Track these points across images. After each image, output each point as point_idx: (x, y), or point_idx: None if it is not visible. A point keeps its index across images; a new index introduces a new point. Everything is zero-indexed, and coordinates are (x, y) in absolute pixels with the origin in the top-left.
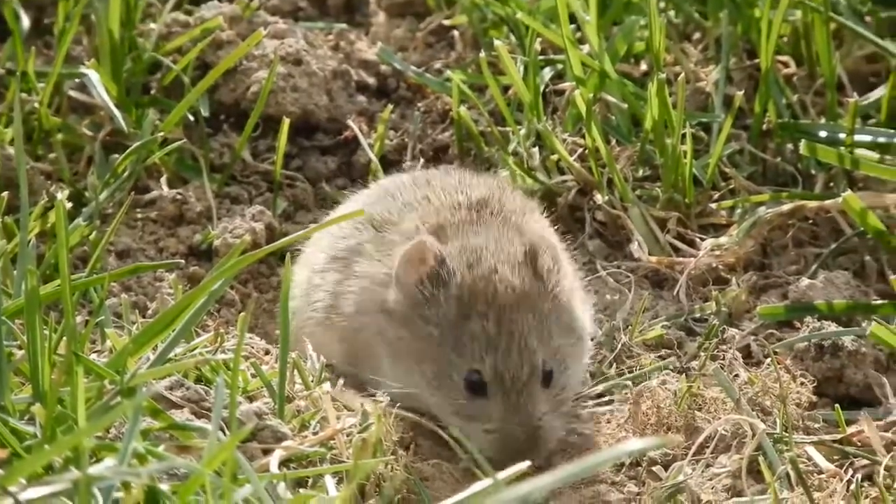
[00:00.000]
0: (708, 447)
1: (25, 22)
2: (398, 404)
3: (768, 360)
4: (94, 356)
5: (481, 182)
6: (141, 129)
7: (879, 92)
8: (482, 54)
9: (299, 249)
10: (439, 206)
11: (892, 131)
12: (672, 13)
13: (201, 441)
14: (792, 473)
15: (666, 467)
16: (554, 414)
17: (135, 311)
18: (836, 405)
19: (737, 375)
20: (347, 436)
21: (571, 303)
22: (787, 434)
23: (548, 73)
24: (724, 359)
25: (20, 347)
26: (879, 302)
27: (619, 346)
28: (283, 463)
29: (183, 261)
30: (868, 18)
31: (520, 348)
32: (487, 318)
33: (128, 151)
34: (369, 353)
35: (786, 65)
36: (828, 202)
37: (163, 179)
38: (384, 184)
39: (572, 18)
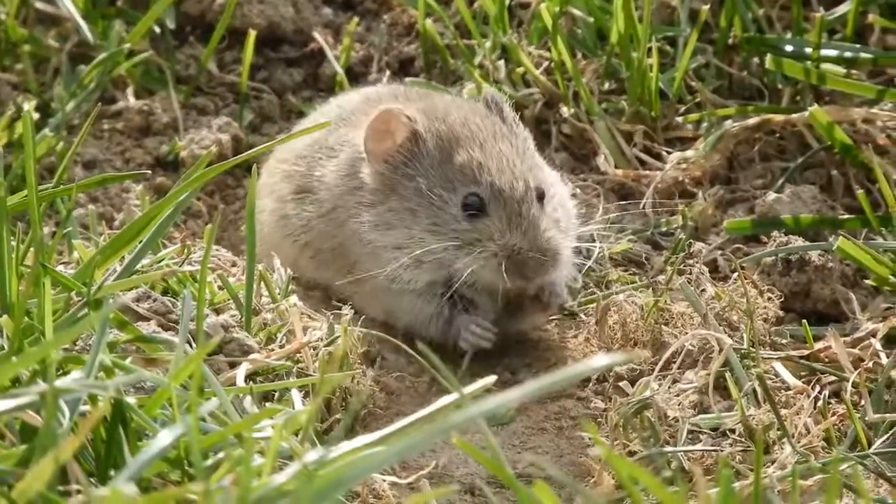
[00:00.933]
0: (674, 362)
1: None
2: (363, 317)
3: (735, 274)
4: (61, 268)
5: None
6: (107, 40)
7: (845, 6)
8: None
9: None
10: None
11: (858, 46)
12: None
13: (168, 354)
14: (759, 390)
15: (632, 383)
16: (559, 232)
17: (101, 222)
18: (804, 321)
19: (703, 290)
20: (314, 349)
21: (540, 160)
22: (753, 350)
23: None
24: (690, 273)
25: None
26: (846, 216)
27: (595, 256)
28: (250, 376)
29: (149, 172)
30: None
31: (511, 168)
32: (472, 148)
33: (94, 63)
34: (343, 260)
35: None
36: (794, 116)
37: (129, 91)
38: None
39: None
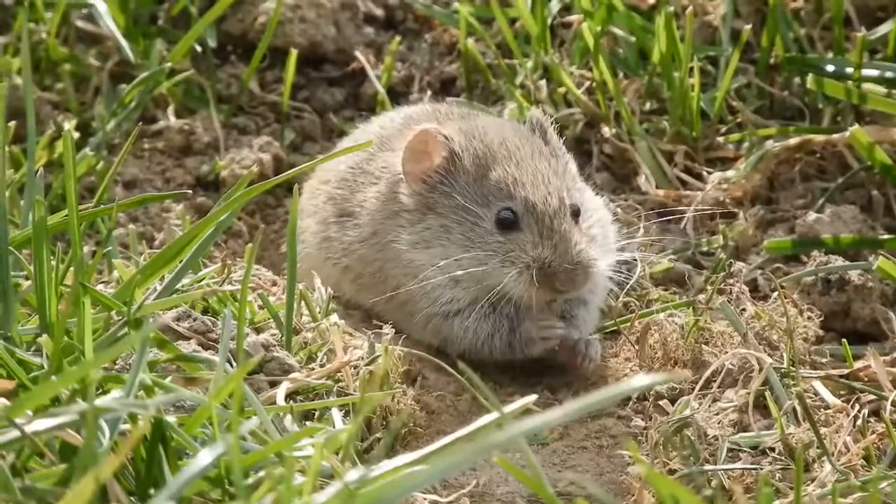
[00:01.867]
0: (714, 381)
1: None
2: (403, 336)
3: (775, 294)
4: (101, 287)
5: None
6: (148, 59)
7: (887, 26)
8: None
9: (307, 181)
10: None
11: None
12: None
13: (208, 373)
14: (798, 408)
15: (673, 401)
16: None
17: (142, 241)
18: (843, 340)
19: (744, 309)
20: (354, 368)
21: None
22: (793, 369)
23: (555, 5)
24: (731, 293)
25: (27, 278)
26: (886, 236)
27: (635, 278)
28: (290, 395)
29: (190, 191)
30: None
31: (545, 183)
32: (508, 165)
33: (135, 82)
34: (384, 284)
35: None
36: (835, 136)
37: (170, 110)
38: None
39: None
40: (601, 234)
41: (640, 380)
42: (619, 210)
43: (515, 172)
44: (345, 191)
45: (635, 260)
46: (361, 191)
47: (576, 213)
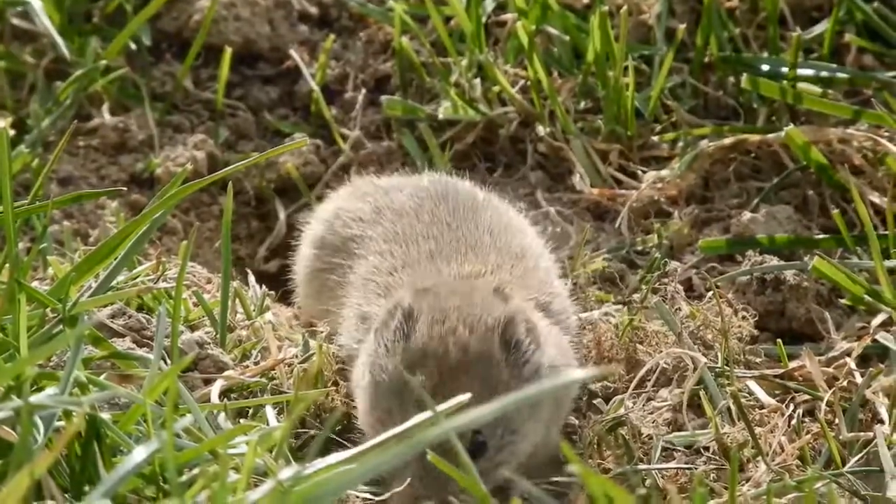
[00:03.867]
0: (649, 381)
1: None
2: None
3: (710, 293)
4: (36, 284)
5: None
6: (83, 56)
7: (822, 26)
8: None
9: (241, 179)
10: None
11: (835, 65)
12: None
13: (143, 370)
14: (733, 408)
15: (607, 400)
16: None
17: (77, 238)
18: (778, 340)
19: (679, 309)
20: (288, 366)
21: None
22: (728, 368)
23: (490, 4)
24: (665, 292)
25: None
26: (821, 236)
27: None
28: (224, 393)
29: (125, 189)
30: None
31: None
32: (430, 377)
33: (70, 79)
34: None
35: None
36: (770, 136)
37: (105, 107)
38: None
39: None
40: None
41: (573, 374)
42: (551, 210)
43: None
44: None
45: (564, 267)
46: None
47: (477, 451)
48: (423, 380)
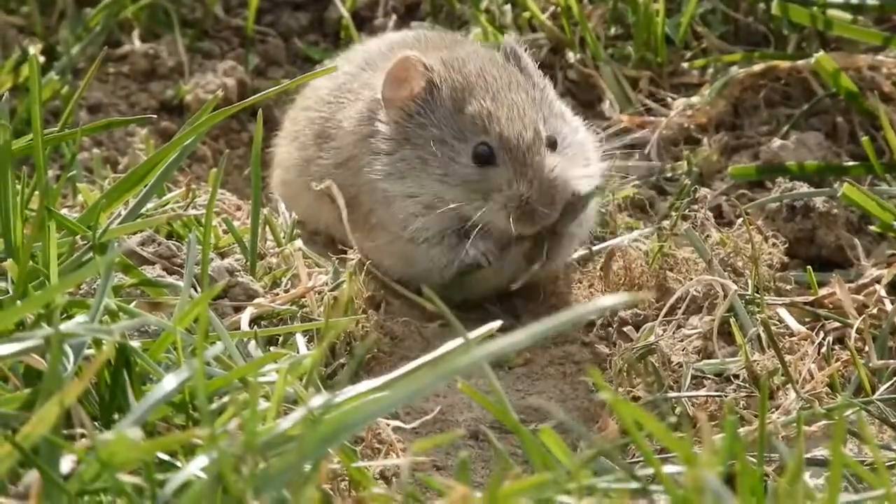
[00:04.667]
0: (679, 308)
1: None
2: (368, 262)
3: (740, 220)
4: (65, 211)
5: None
6: None
7: None
8: None
9: (271, 106)
10: (414, 45)
11: None
12: None
13: (173, 298)
14: (763, 335)
15: (637, 328)
16: (570, 168)
17: (106, 166)
18: (808, 267)
19: (708, 236)
20: (318, 294)
21: (562, 108)
22: (758, 296)
23: None
24: (695, 219)
25: None
26: (851, 163)
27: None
28: (254, 321)
29: (155, 116)
30: None
31: (521, 117)
32: (484, 99)
33: (100, 6)
34: (358, 210)
35: None
36: (800, 62)
37: (135, 34)
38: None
39: None
40: (582, 158)
41: (603, 301)
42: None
43: (491, 106)
44: (325, 112)
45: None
46: (342, 111)
47: (553, 145)
48: (482, 103)
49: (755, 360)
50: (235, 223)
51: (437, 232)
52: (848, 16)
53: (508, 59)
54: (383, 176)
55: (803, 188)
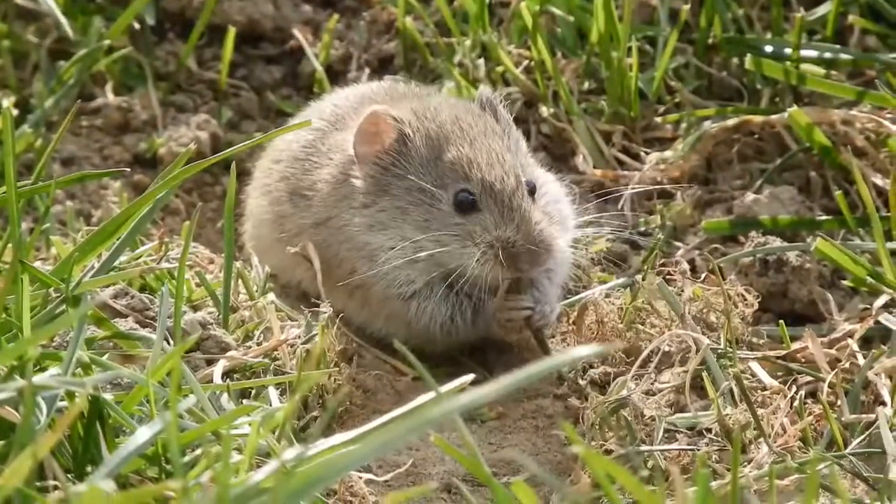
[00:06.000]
0: (651, 362)
1: None
2: (340, 316)
3: (713, 275)
4: (39, 264)
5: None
6: (87, 36)
7: (825, 7)
8: None
9: (244, 159)
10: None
11: (838, 46)
12: None
13: (146, 351)
14: (735, 389)
15: (609, 382)
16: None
17: (80, 218)
18: (781, 321)
19: (681, 290)
20: (291, 347)
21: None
22: (731, 350)
23: None
24: (669, 273)
25: None
26: (824, 217)
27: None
28: (227, 373)
29: (128, 169)
30: None
31: (500, 163)
32: (462, 145)
33: (73, 59)
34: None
35: None
36: (773, 117)
37: (108, 87)
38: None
39: None
40: (556, 210)
41: (575, 352)
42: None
43: (470, 152)
44: (298, 170)
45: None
46: (315, 171)
47: (532, 191)
48: (461, 150)
49: (728, 414)
50: (208, 276)
51: (424, 284)
52: (821, 70)
53: (484, 109)
54: (364, 228)
55: (776, 242)
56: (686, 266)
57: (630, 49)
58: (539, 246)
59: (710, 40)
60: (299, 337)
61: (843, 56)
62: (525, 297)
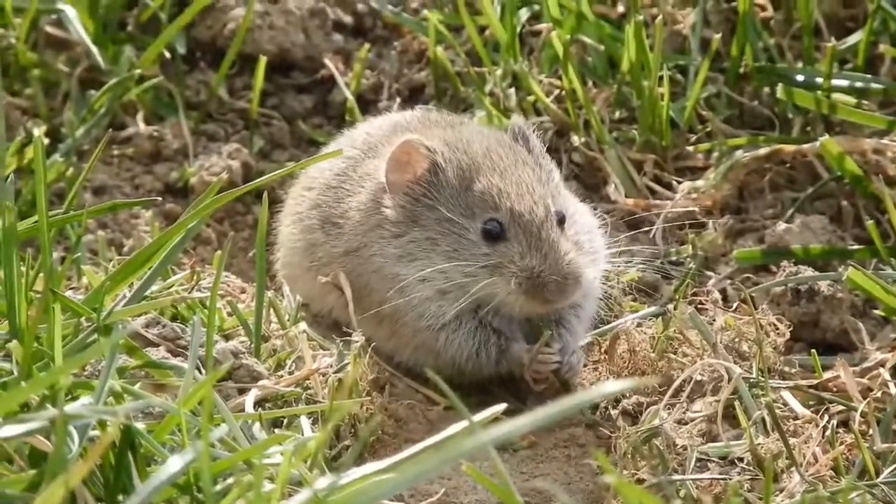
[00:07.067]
0: (684, 391)
1: None
2: (373, 345)
3: (744, 304)
4: (70, 293)
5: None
6: (118, 65)
7: (856, 36)
8: None
9: (275, 188)
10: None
11: (869, 76)
12: None
13: (177, 380)
14: (767, 419)
15: (641, 412)
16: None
17: (111, 248)
18: (813, 350)
19: (713, 320)
20: (323, 376)
21: (567, 192)
22: (762, 379)
23: (525, 13)
24: (701, 303)
25: None
26: (856, 247)
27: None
28: (259, 403)
29: (159, 198)
30: None
31: (530, 193)
32: (492, 176)
33: (104, 88)
34: (369, 300)
35: (763, 8)
36: (805, 146)
37: (139, 116)
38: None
39: None
40: (587, 241)
41: (609, 387)
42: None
43: (500, 183)
44: (330, 198)
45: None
46: (347, 199)
47: (561, 221)
48: (490, 180)
49: (759, 444)
50: (240, 305)
51: (453, 317)
52: (852, 100)
53: (516, 140)
54: (394, 260)
55: (808, 272)
56: (717, 295)
57: (661, 78)
58: (567, 278)
59: (742, 69)
60: (331, 366)
61: (875, 85)
62: (553, 351)
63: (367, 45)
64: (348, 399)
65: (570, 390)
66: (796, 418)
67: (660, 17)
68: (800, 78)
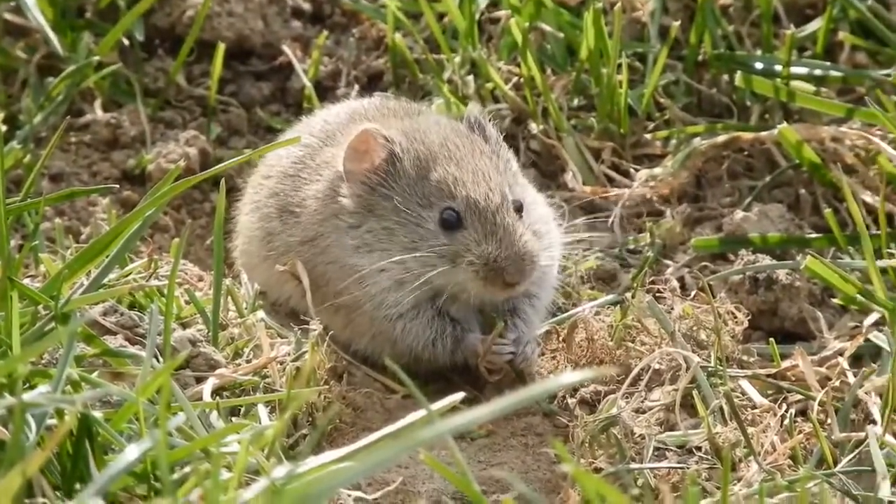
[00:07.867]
0: (642, 380)
1: None
2: (330, 333)
3: (702, 292)
4: (28, 281)
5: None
6: (76, 52)
7: (816, 24)
8: None
9: (233, 176)
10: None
11: (828, 63)
12: None
13: (135, 368)
14: (726, 407)
15: (599, 400)
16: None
17: (69, 235)
18: (771, 339)
19: (671, 308)
20: (281, 364)
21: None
22: (721, 368)
23: (483, 0)
24: (658, 291)
25: None
26: (814, 235)
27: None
28: (217, 391)
29: (117, 185)
30: None
31: (486, 181)
32: (448, 165)
33: (62, 75)
34: (327, 289)
35: None
36: (763, 134)
37: (97, 103)
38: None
39: None
40: (545, 230)
41: (567, 377)
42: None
43: (456, 172)
44: (287, 186)
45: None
46: (304, 187)
47: (518, 209)
48: (446, 169)
49: (717, 432)
50: (197, 293)
51: (411, 306)
52: (811, 87)
53: (473, 129)
54: (351, 250)
55: (766, 260)
56: (676, 284)
57: (620, 66)
58: (524, 258)
59: (700, 57)
60: (289, 354)
61: (833, 73)
62: (507, 342)
63: (325, 32)
64: (306, 388)
65: (526, 380)
66: (754, 407)
67: (618, 4)
68: (758, 65)
